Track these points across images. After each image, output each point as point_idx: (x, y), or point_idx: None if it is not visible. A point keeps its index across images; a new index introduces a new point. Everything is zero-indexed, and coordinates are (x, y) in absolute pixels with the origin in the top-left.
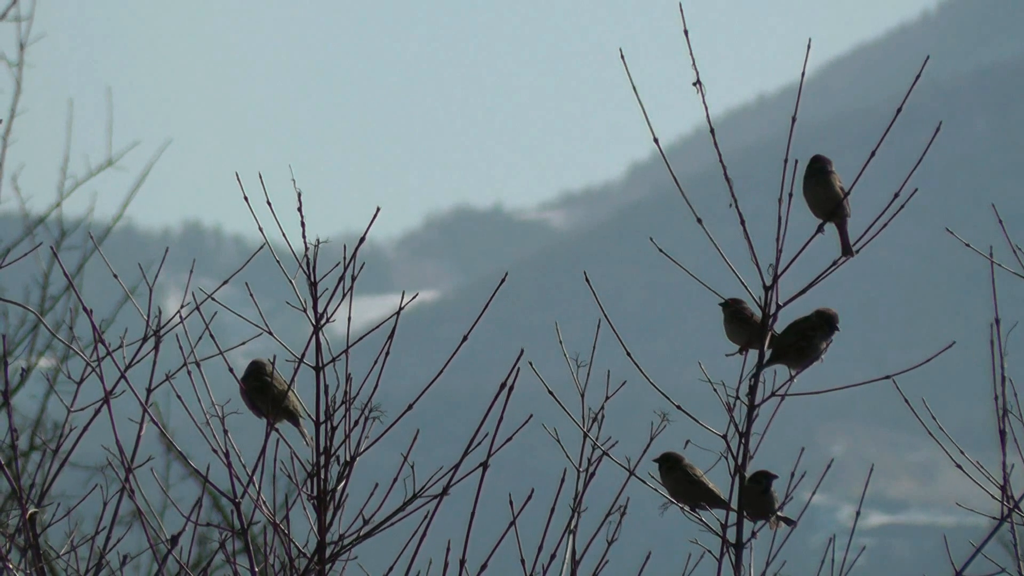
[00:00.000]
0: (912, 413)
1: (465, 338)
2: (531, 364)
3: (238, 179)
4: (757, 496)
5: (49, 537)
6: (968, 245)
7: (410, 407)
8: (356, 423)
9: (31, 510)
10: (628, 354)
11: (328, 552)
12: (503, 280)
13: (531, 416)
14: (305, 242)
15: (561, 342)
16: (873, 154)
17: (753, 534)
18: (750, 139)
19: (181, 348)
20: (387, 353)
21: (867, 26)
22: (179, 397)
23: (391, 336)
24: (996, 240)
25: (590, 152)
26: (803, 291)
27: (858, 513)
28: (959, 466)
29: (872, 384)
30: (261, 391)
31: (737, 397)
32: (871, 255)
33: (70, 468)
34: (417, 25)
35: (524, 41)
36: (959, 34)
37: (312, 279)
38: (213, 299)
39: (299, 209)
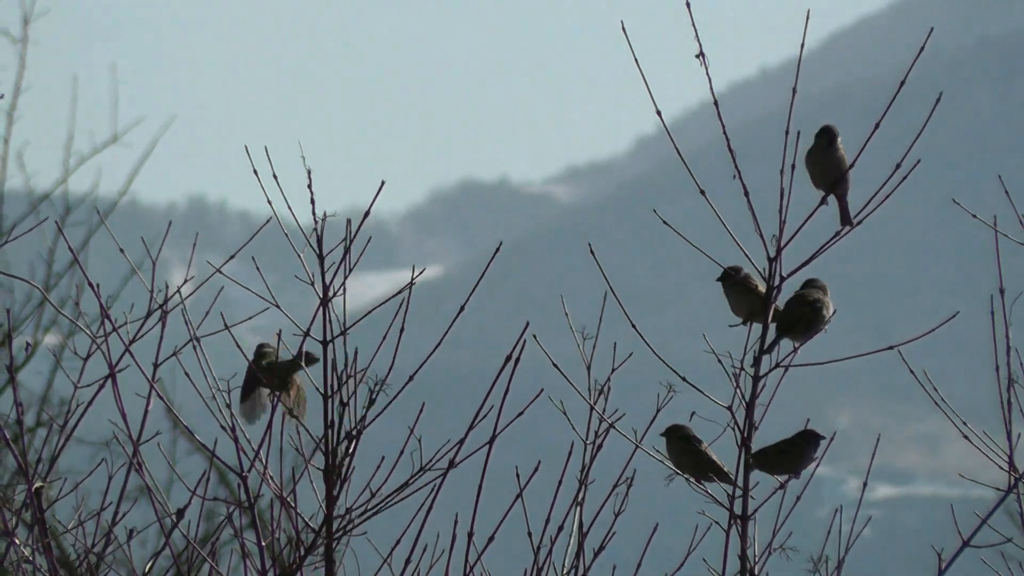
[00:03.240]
0: (918, 384)
1: (462, 308)
2: (535, 337)
3: (248, 152)
4: (795, 456)
5: (56, 512)
6: (975, 216)
7: (411, 378)
8: (364, 398)
9: (37, 485)
10: (633, 326)
11: (335, 526)
12: (498, 248)
13: (542, 390)
14: (315, 217)
15: (567, 315)
16: (877, 126)
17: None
18: (754, 112)
19: (188, 323)
20: (402, 329)
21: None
22: (187, 374)
23: (404, 311)
24: (1002, 211)
25: (595, 126)
26: (807, 262)
27: (865, 484)
28: (966, 437)
29: (878, 356)
30: (267, 370)
31: (742, 368)
32: (876, 226)
33: (76, 444)
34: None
35: (529, 14)
36: (963, 6)
37: (320, 253)
38: (221, 272)
39: (309, 186)
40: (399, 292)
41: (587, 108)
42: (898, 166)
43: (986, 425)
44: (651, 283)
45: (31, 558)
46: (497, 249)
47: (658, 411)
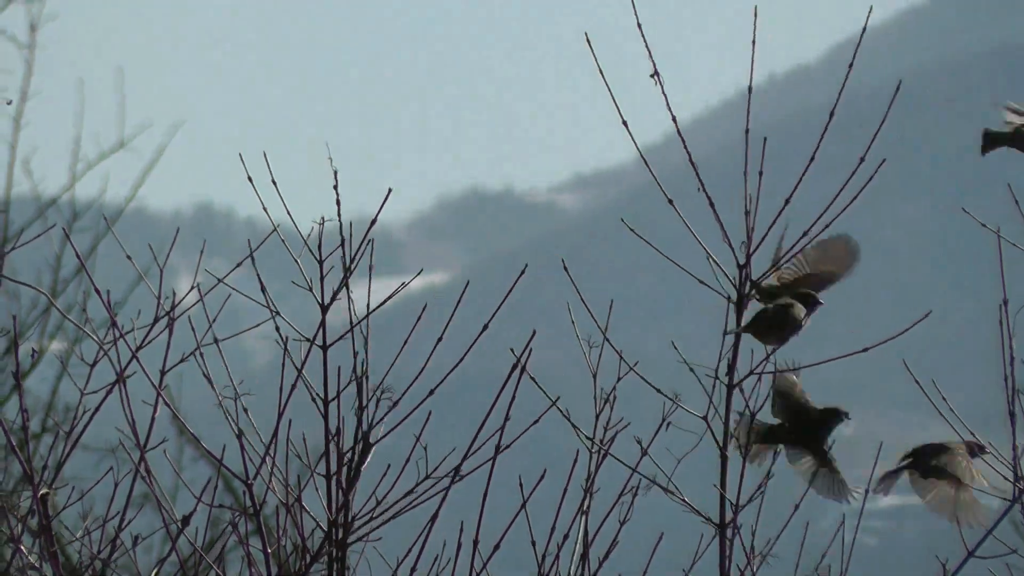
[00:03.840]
0: (922, 394)
1: (486, 327)
2: (532, 377)
3: (242, 160)
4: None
5: (62, 519)
6: (984, 225)
7: (431, 393)
8: (370, 404)
9: (43, 491)
10: (607, 339)
11: (341, 534)
12: (523, 271)
13: (558, 398)
14: (340, 220)
15: (573, 322)
16: (876, 134)
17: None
18: (763, 120)
19: (194, 330)
20: (409, 334)
21: (878, 8)
22: (206, 375)
23: (415, 319)
24: (1010, 219)
25: (601, 135)
26: (774, 266)
27: (866, 492)
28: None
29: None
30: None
31: (716, 377)
32: (882, 234)
33: (83, 450)
34: (428, 6)
35: (535, 22)
36: (970, 14)
37: (319, 258)
38: (225, 284)
39: (335, 187)
40: (392, 295)
41: (593, 117)
42: (861, 160)
43: (991, 435)
44: (656, 292)
45: (37, 565)
46: (523, 272)
47: (663, 420)
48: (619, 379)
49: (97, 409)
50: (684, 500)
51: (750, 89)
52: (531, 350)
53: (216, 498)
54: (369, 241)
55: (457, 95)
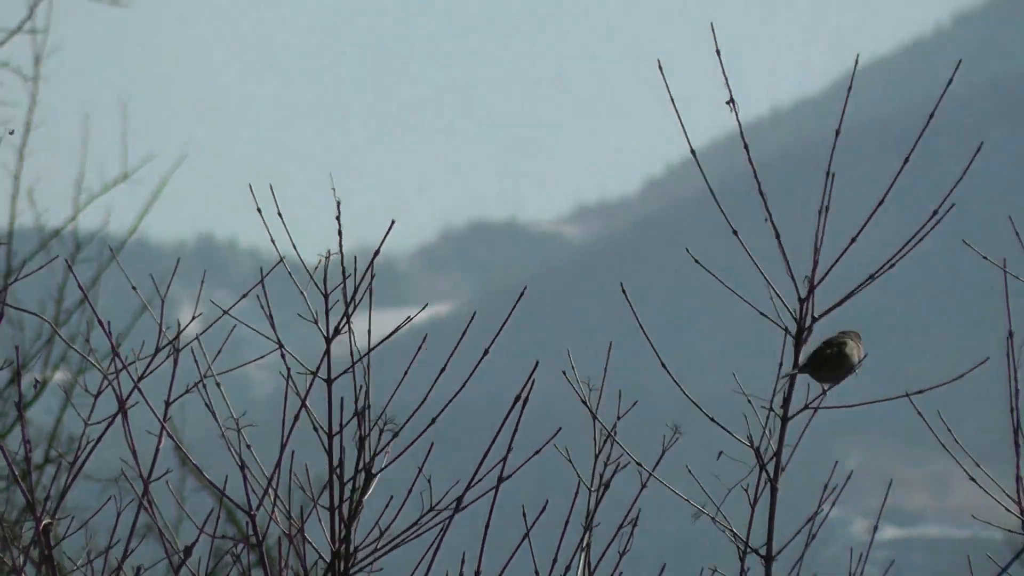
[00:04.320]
0: (927, 426)
1: (486, 352)
2: (527, 402)
3: (252, 191)
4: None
5: (64, 549)
6: (986, 258)
7: (433, 421)
8: (375, 436)
9: (46, 522)
10: (662, 364)
11: (343, 567)
12: (522, 294)
13: (559, 429)
14: (342, 252)
15: (573, 368)
16: (901, 170)
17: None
18: (764, 153)
19: (196, 362)
20: (410, 365)
21: (882, 39)
22: (209, 406)
23: (417, 348)
24: (1013, 252)
25: (605, 165)
26: (840, 303)
27: (875, 528)
28: (973, 479)
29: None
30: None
31: (771, 409)
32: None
33: (85, 481)
34: (432, 38)
35: (538, 55)
36: (973, 46)
37: (324, 291)
38: (229, 315)
39: (337, 218)
40: (396, 330)
41: (597, 147)
42: (935, 212)
43: (995, 467)
44: (660, 323)
45: None
46: (521, 294)
47: (664, 452)
48: (619, 418)
49: (99, 439)
50: (733, 531)
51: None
52: (533, 381)
53: (219, 529)
54: (373, 274)
55: (461, 126)
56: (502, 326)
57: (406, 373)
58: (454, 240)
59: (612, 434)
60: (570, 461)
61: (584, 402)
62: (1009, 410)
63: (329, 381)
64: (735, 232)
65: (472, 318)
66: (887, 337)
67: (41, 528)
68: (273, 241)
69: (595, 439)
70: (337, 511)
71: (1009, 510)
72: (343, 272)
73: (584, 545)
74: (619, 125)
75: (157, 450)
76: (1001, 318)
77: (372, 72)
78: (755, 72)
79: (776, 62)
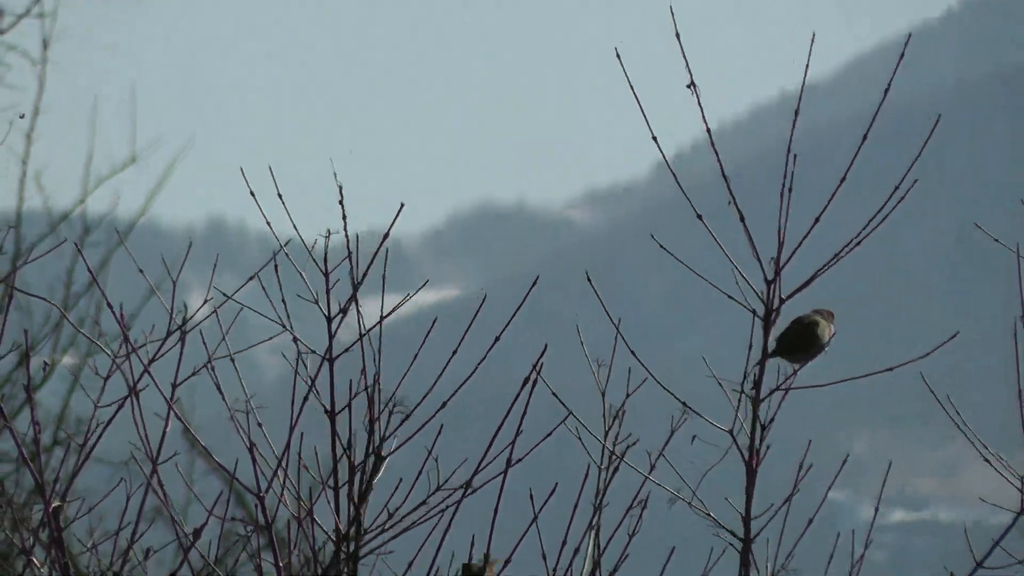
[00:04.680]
0: (933, 410)
1: (498, 338)
2: (543, 378)
3: (243, 175)
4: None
5: (73, 531)
6: (997, 240)
7: (444, 405)
8: (382, 417)
9: (55, 504)
10: (633, 353)
11: (353, 547)
12: (535, 282)
13: (569, 414)
14: (346, 233)
15: (582, 344)
16: (858, 150)
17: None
18: (772, 138)
19: (205, 345)
20: (420, 347)
21: (890, 25)
22: (218, 388)
23: (429, 330)
24: (1021, 237)
25: (614, 150)
26: (807, 283)
27: (876, 509)
28: (987, 460)
29: (894, 382)
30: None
31: (742, 392)
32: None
33: (95, 463)
34: (441, 21)
35: (548, 38)
36: (982, 33)
37: (325, 271)
38: (234, 300)
39: (340, 202)
40: (398, 305)
41: (606, 132)
42: (896, 188)
43: (1003, 451)
44: (671, 308)
45: None
46: (534, 283)
47: (671, 434)
48: (628, 395)
49: (109, 422)
50: (710, 515)
51: (797, 112)
52: (543, 364)
53: (228, 511)
54: (379, 254)
55: (469, 109)
56: (513, 314)
57: (416, 356)
58: (462, 224)
59: (620, 412)
60: (579, 439)
61: (593, 375)
62: (1017, 392)
63: (331, 360)
64: (699, 216)
65: (482, 303)
66: (892, 322)
67: (51, 511)
68: (269, 225)
69: (604, 416)
70: (346, 491)
71: (1019, 489)
72: (348, 252)
73: (594, 525)
74: (628, 108)
75: (165, 433)
76: (1010, 302)
77: (382, 56)
78: (764, 57)
79: (784, 48)
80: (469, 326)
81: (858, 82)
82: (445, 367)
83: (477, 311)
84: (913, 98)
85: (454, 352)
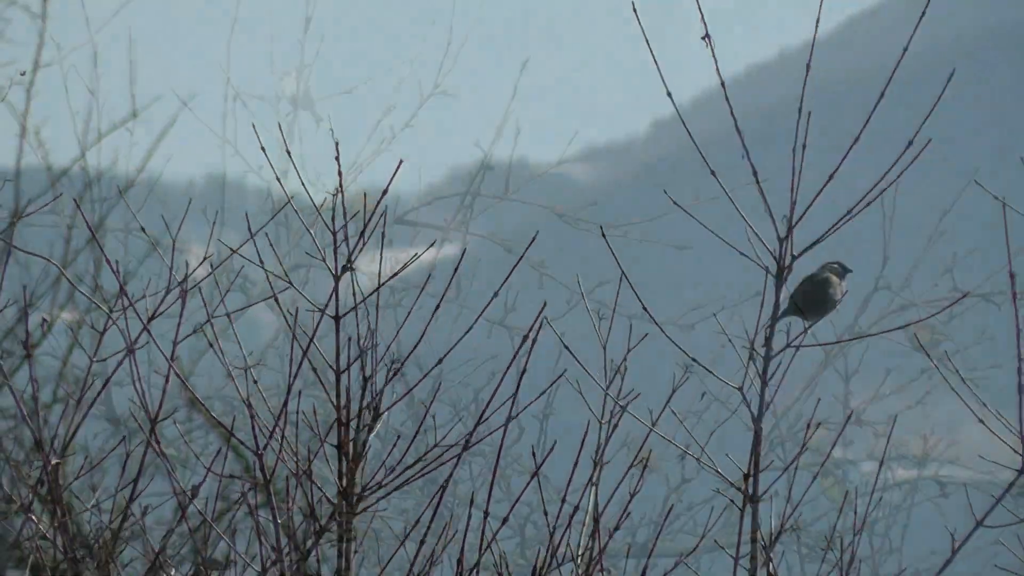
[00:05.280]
0: (934, 367)
1: (495, 295)
2: (549, 321)
3: (255, 130)
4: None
5: (72, 488)
6: (996, 198)
7: (440, 361)
8: (380, 376)
9: (54, 461)
10: (644, 308)
11: (349, 505)
12: (534, 238)
13: (565, 371)
14: (342, 190)
15: (583, 295)
16: (875, 107)
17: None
18: (773, 96)
19: (204, 302)
20: (414, 303)
21: None
22: (217, 346)
23: (447, 287)
24: (1021, 193)
25: (614, 106)
26: (819, 240)
27: (881, 464)
28: (981, 420)
29: (896, 341)
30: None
31: (753, 348)
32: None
33: (94, 420)
34: None
35: None
36: None
37: (332, 228)
38: (239, 254)
39: (336, 158)
40: (404, 267)
41: (605, 88)
42: (910, 143)
43: (1004, 410)
44: (671, 264)
45: (47, 534)
46: (533, 238)
47: (673, 391)
48: (629, 351)
49: (109, 378)
50: (718, 472)
51: (808, 67)
52: (542, 321)
53: (226, 468)
54: (372, 210)
55: (468, 66)
56: (511, 272)
57: (410, 312)
58: (462, 181)
59: (622, 366)
60: (580, 393)
61: (594, 328)
62: (1016, 351)
63: (337, 318)
64: (713, 173)
65: (461, 258)
66: (896, 278)
67: (50, 468)
68: (279, 179)
69: (605, 370)
70: (348, 447)
71: (1016, 450)
72: (344, 209)
73: (594, 480)
74: (628, 63)
75: (164, 390)
76: (994, 257)
77: (381, 12)
78: (765, 13)
79: (784, 3)
80: (447, 287)
81: (859, 38)
82: (429, 322)
83: (473, 274)
84: (917, 53)
85: (436, 307)
